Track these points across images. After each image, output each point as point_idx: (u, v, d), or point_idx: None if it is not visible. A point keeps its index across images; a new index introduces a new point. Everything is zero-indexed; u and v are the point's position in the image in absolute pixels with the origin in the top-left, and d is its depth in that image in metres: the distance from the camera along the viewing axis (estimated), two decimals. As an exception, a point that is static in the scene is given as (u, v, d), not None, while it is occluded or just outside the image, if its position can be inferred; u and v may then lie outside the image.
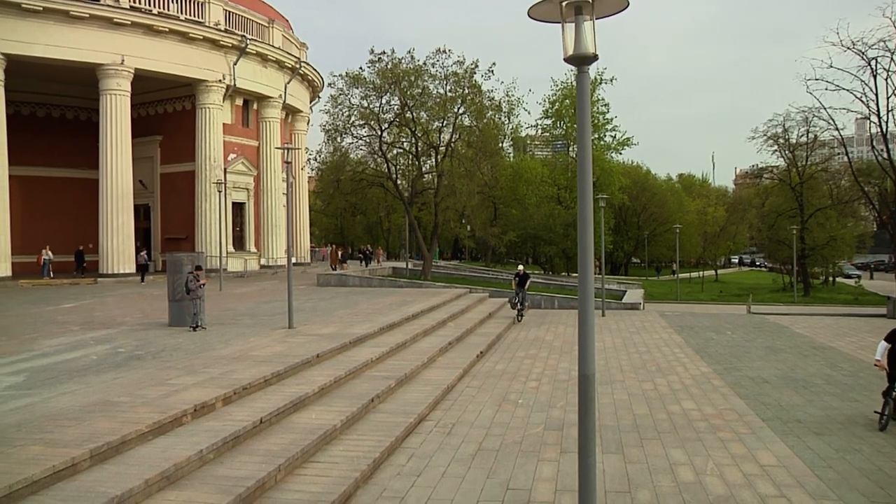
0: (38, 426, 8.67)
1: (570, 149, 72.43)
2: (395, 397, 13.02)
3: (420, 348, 17.53)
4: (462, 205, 42.05)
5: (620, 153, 72.95)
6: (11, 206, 35.67)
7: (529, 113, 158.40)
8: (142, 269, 38.20)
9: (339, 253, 47.89)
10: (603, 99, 66.97)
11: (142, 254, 39.60)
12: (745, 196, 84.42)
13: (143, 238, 43.88)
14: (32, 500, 6.71)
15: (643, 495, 8.55)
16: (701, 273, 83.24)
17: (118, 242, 37.16)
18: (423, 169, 44.30)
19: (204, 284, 18.14)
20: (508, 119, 47.02)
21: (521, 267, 26.28)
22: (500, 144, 55.75)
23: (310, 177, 57.58)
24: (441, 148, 41.91)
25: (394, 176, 42.87)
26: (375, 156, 42.19)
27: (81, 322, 19.85)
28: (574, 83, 56.03)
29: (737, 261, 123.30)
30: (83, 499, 6.73)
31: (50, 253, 38.22)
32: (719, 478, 9.18)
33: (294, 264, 20.05)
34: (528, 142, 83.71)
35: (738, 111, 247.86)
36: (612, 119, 68.92)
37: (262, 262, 45.80)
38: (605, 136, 68.24)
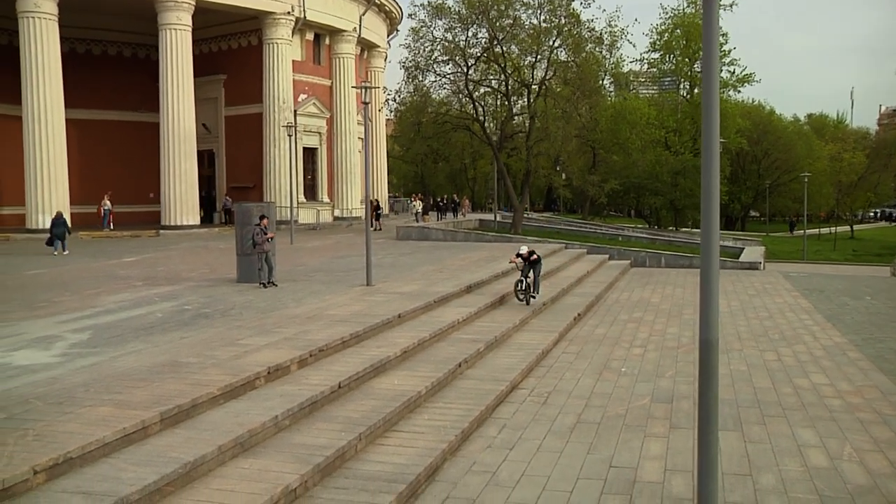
0: (107, 386, 9.09)
1: (681, 86, 70.42)
2: (484, 362, 13.12)
3: (510, 309, 17.57)
4: (557, 150, 41.60)
5: (739, 91, 70.63)
6: (69, 152, 37.10)
7: (634, 46, 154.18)
8: (228, 213, 39.89)
9: (385, 202, 44.87)
10: (721, 27, 64.74)
11: (227, 197, 41.42)
12: (892, 139, 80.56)
13: (206, 187, 45.20)
14: (105, 462, 7.07)
15: (767, 479, 8.39)
16: (832, 229, 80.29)
17: (181, 191, 38.33)
18: (514, 110, 43.89)
19: (272, 238, 18.50)
20: (610, 53, 46.09)
21: (524, 248, 18.87)
22: (601, 82, 54.72)
23: (387, 119, 57.90)
24: (534, 86, 41.39)
25: (481, 118, 42.66)
26: (460, 95, 42.02)
27: (144, 277, 20.66)
28: (687, 10, 54.28)
29: (877, 215, 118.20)
30: (155, 463, 7.05)
31: (109, 203, 39.75)
32: (859, 465, 8.89)
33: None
34: (632, 79, 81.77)
35: (885, 37, 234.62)
36: (730, 51, 66.33)
37: (336, 213, 46.58)
38: (721, 71, 66.06)
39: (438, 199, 56.30)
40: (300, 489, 7.37)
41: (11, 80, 36.39)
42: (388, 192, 63.46)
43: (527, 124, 43.59)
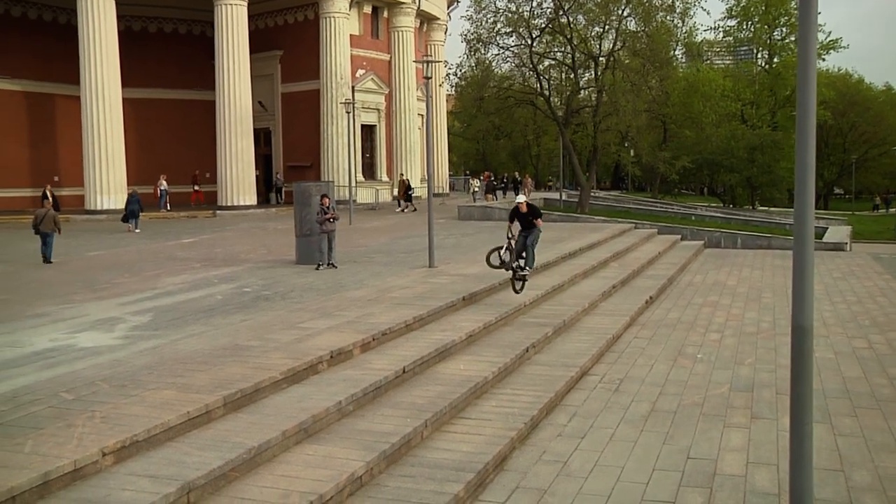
0: (169, 369, 9.28)
1: (759, 55, 68.80)
2: (552, 347, 13.07)
3: (579, 292, 17.47)
4: (626, 125, 41.05)
5: (824, 59, 68.58)
6: (125, 132, 37.86)
7: (708, 13, 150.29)
8: (278, 191, 40.40)
9: (408, 182, 42.40)
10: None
11: (278, 175, 42.04)
12: None
13: (263, 166, 45.77)
14: (170, 446, 7.23)
15: (861, 476, 8.16)
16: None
17: (237, 171, 38.84)
18: (580, 84, 43.40)
19: (334, 219, 18.57)
20: (682, 21, 45.20)
21: (521, 198, 15.73)
22: (672, 52, 53.82)
23: (448, 95, 57.78)
24: (601, 58, 40.86)
25: (545, 92, 42.28)
26: (524, 69, 41.74)
27: (203, 259, 21.07)
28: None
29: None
30: (219, 448, 7.18)
31: (165, 183, 40.55)
32: (967, 462, 8.60)
33: (433, 195, 20.39)
34: (706, 48, 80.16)
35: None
36: (814, 16, 64.51)
37: (395, 192, 46.72)
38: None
39: (493, 179, 54.68)
40: (366, 476, 7.44)
41: (71, 61, 37.23)
42: (449, 171, 63.29)
43: (594, 98, 43.09)
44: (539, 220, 15.30)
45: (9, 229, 31.72)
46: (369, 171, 46.08)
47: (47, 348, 10.63)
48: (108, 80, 36.24)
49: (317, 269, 18.36)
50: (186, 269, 18.89)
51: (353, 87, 42.85)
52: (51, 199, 32.05)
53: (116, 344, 10.81)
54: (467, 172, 67.87)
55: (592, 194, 46.77)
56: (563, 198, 47.13)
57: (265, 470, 7.25)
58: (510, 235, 15.26)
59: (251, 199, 39.70)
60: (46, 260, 20.69)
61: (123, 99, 37.58)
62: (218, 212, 38.49)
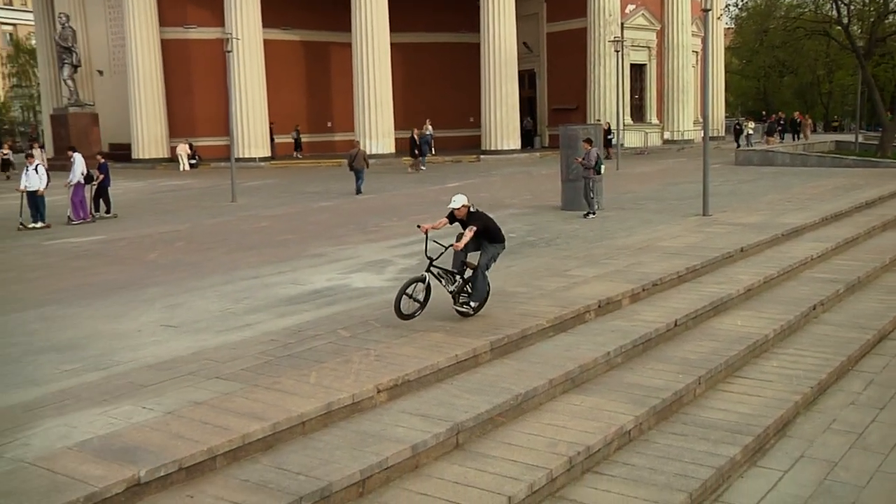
0: (437, 312, 9.73)
1: None
2: (843, 306, 12.30)
3: (878, 245, 16.29)
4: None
5: None
6: (392, 77, 39.64)
7: None
8: (527, 135, 40.98)
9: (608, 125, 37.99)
10: None
11: (528, 119, 42.43)
12: None
13: (527, 109, 46.22)
14: (439, 387, 7.65)
15: None
16: None
17: (502, 115, 39.55)
18: (890, 6, 39.57)
19: (584, 166, 18.36)
20: None
21: (460, 198, 9.90)
22: None
23: (726, 29, 55.18)
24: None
25: (843, 20, 39.09)
26: (818, -6, 38.82)
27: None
28: None
29: None
30: (486, 392, 7.47)
31: (431, 128, 42.09)
32: None
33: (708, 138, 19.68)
34: None
35: None
36: None
37: (666, 135, 45.59)
38: None
39: (736, 123, 47.48)
40: (634, 431, 7.43)
41: (343, 8, 39.37)
42: (725, 112, 60.45)
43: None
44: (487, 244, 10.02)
45: (288, 173, 34.55)
46: (638, 113, 45.24)
47: (325, 287, 11.62)
48: (376, 25, 38.02)
49: (584, 216, 18.37)
50: (451, 214, 19.62)
51: (622, 24, 42.12)
52: (417, 139, 35.01)
53: (386, 286, 11.52)
54: (764, 114, 63.29)
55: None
56: (860, 140, 43.60)
57: (531, 417, 7.45)
58: (436, 242, 9.81)
59: (515, 143, 40.34)
60: (359, 192, 25.28)
61: (391, 44, 39.26)
62: (482, 156, 39.47)
